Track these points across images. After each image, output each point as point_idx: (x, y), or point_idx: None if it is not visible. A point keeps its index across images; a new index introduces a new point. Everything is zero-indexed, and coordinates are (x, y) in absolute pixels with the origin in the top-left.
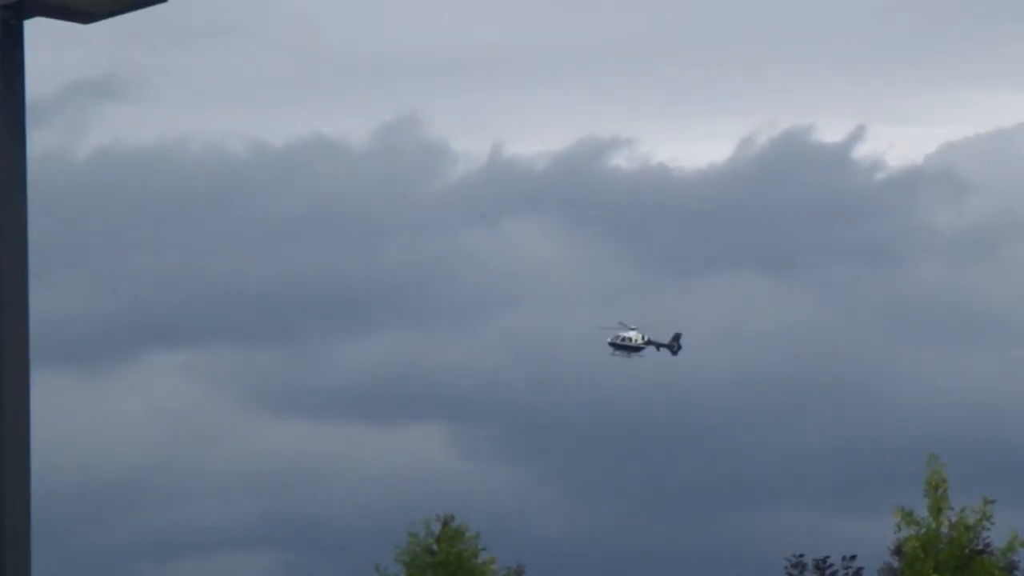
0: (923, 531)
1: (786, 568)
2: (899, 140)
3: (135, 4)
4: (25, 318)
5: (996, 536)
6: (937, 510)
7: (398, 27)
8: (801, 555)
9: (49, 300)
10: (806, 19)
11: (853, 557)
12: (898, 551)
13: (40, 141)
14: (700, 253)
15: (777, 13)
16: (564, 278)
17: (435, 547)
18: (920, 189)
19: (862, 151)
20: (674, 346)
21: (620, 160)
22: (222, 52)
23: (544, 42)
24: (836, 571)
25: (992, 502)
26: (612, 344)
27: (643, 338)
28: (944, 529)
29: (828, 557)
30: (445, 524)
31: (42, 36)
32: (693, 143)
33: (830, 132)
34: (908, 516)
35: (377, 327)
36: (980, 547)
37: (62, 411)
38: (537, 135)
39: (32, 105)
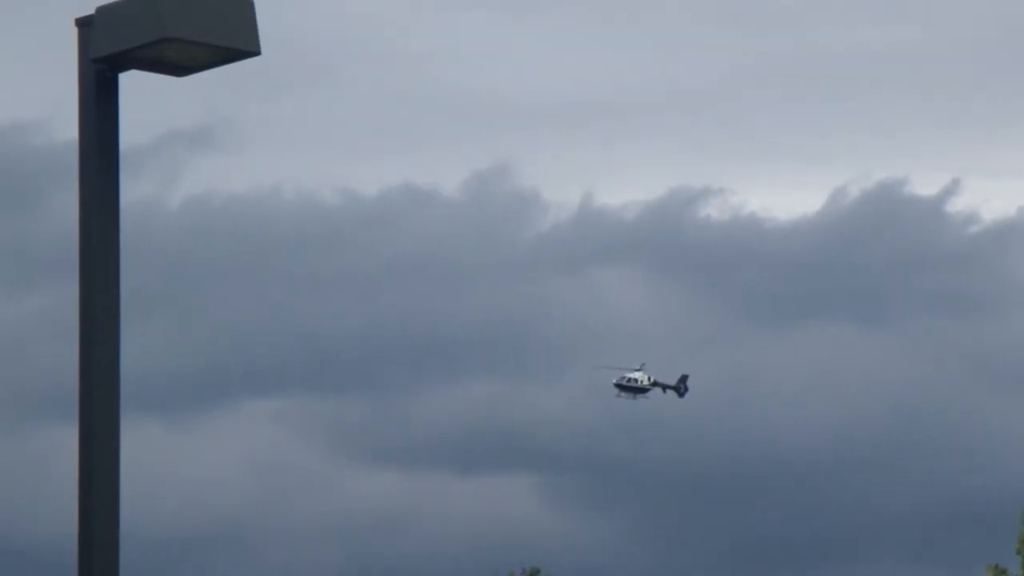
0: None
1: None
2: (994, 194)
3: (228, 58)
4: (116, 365)
5: None
6: None
7: (491, 76)
8: None
9: (141, 347)
10: (902, 71)
11: None
12: None
13: (135, 189)
14: (790, 304)
15: (872, 64)
16: (653, 328)
17: None
18: (1013, 242)
19: (957, 205)
20: (680, 388)
21: (711, 210)
22: (315, 101)
23: (636, 91)
24: None
25: None
26: (617, 385)
27: (649, 379)
28: None
29: None
30: None
31: (139, 86)
32: (785, 193)
33: (925, 185)
34: (1001, 574)
35: (466, 376)
36: None
37: (151, 458)
38: (628, 185)
39: (127, 154)
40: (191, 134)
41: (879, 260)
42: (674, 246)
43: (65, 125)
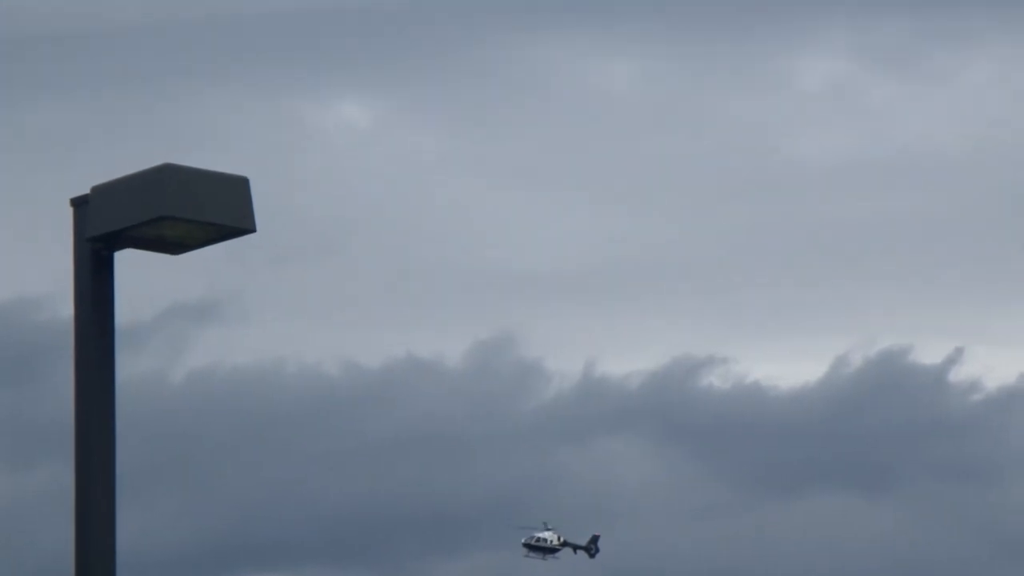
0: None
1: None
2: (997, 362)
3: (223, 236)
4: (111, 543)
5: None
6: None
7: (493, 248)
8: None
9: (143, 521)
10: (905, 241)
11: None
12: None
13: (138, 364)
14: (794, 472)
15: (876, 234)
16: (656, 497)
17: None
18: (1016, 409)
19: (960, 374)
20: (591, 548)
21: (714, 379)
22: (318, 273)
23: (639, 261)
24: None
25: None
26: (526, 545)
27: (559, 539)
28: None
29: None
30: None
31: (145, 261)
32: (788, 362)
33: (928, 354)
34: None
35: (471, 546)
36: None
37: None
38: (631, 354)
39: (130, 329)
40: (196, 307)
41: (882, 428)
42: (677, 415)
43: (66, 302)
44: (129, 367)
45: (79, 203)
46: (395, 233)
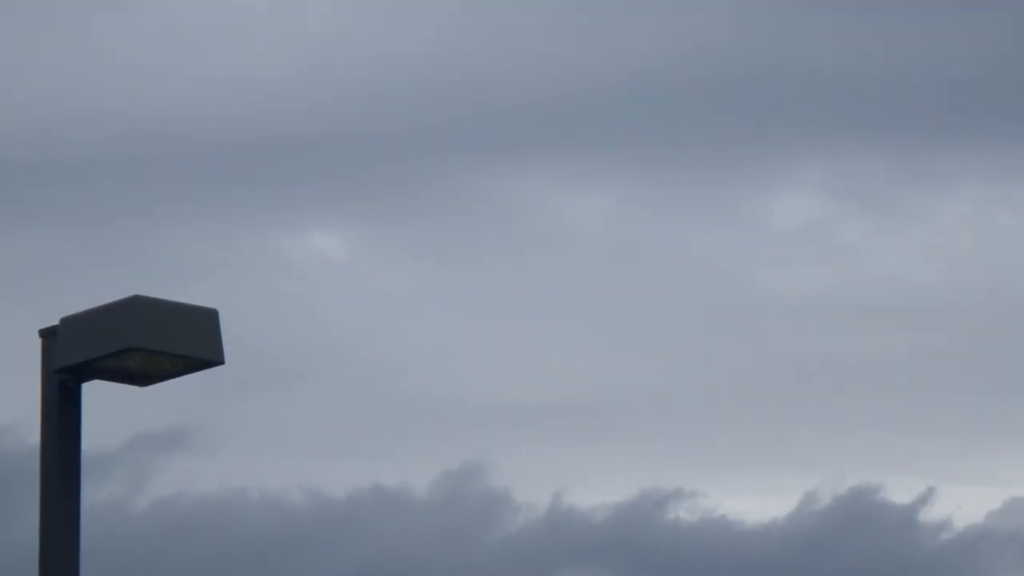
0: None
1: None
2: (966, 501)
3: (191, 367)
4: None
5: None
6: None
7: (460, 379)
8: None
9: None
10: (874, 377)
11: None
12: None
13: (101, 491)
14: None
15: (848, 371)
16: None
17: None
18: (982, 548)
19: (930, 513)
20: None
21: (682, 512)
22: (285, 403)
23: (608, 392)
24: None
25: None
26: None
27: None
28: None
29: None
30: None
31: (112, 390)
32: (757, 496)
33: (899, 492)
34: None
35: None
36: None
37: None
38: (599, 485)
39: (95, 457)
40: (162, 436)
41: (851, 565)
42: (643, 548)
43: (33, 430)
44: (95, 494)
45: (47, 334)
46: (364, 363)
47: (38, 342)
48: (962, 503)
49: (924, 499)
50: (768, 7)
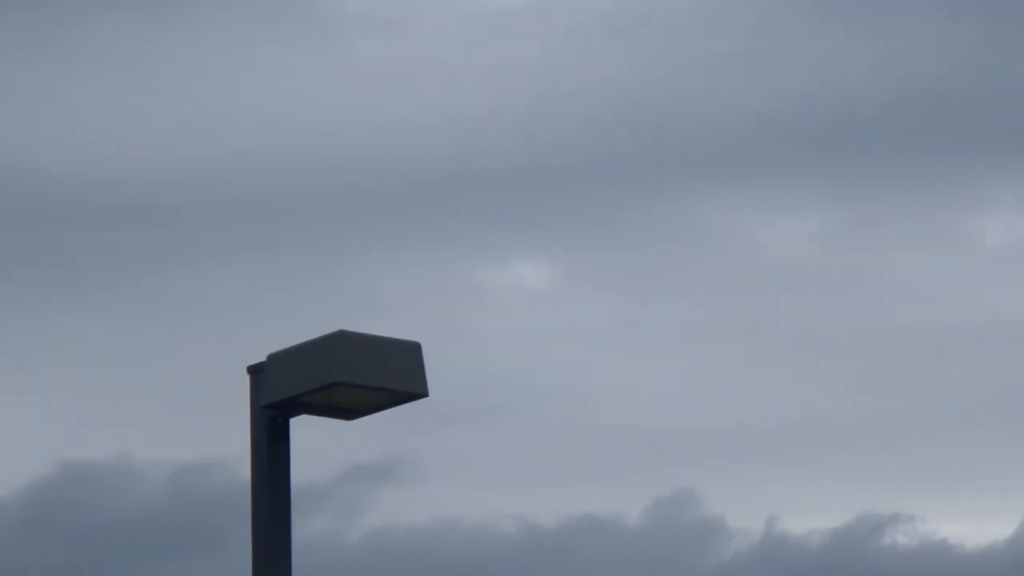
0: None
1: None
2: None
3: (396, 401)
4: None
5: None
6: None
7: (671, 407)
8: None
9: None
10: None
11: None
12: None
13: (313, 524)
14: None
15: None
16: None
17: None
18: None
19: None
20: None
21: (900, 536)
22: (491, 434)
23: (819, 418)
24: None
25: None
26: None
27: None
28: None
29: None
30: None
31: (318, 424)
32: (976, 520)
33: None
34: None
35: None
36: None
37: None
38: (813, 511)
39: (306, 490)
40: (373, 469)
41: None
42: (859, 574)
43: (244, 463)
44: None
45: (255, 371)
46: (569, 393)
47: (246, 378)
48: None
49: None
50: (971, 26)
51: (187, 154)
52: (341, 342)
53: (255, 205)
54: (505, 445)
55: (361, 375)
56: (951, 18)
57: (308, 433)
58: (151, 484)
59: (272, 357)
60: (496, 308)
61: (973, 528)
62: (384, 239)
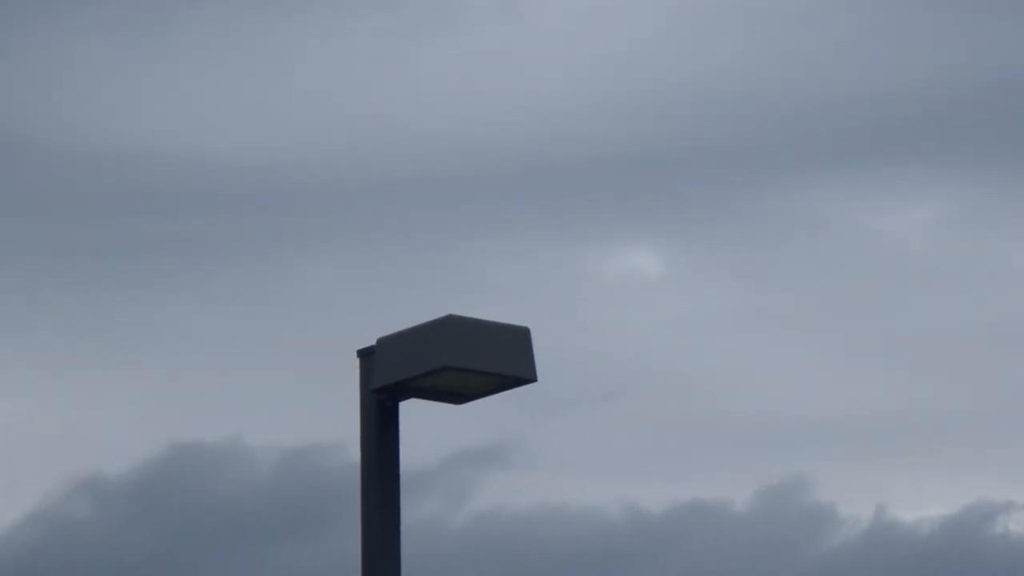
0: None
1: None
2: None
3: (505, 385)
4: None
5: None
6: None
7: (781, 396)
8: None
9: None
10: None
11: None
12: None
13: (422, 508)
14: None
15: None
16: None
17: None
18: None
19: None
20: None
21: (1012, 525)
22: (600, 420)
23: (937, 405)
24: None
25: None
26: None
27: None
28: None
29: None
30: None
31: (427, 408)
32: None
33: None
34: None
35: None
36: None
37: None
38: (923, 499)
39: (416, 474)
40: (481, 453)
41: None
42: (971, 563)
43: (354, 447)
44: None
45: (365, 354)
46: (679, 380)
47: (356, 362)
48: None
49: None
50: None
51: (301, 141)
52: (450, 326)
53: (367, 190)
54: (614, 431)
55: (470, 359)
56: None
57: (417, 417)
58: (261, 467)
59: (382, 341)
60: (608, 294)
61: None
62: (497, 225)
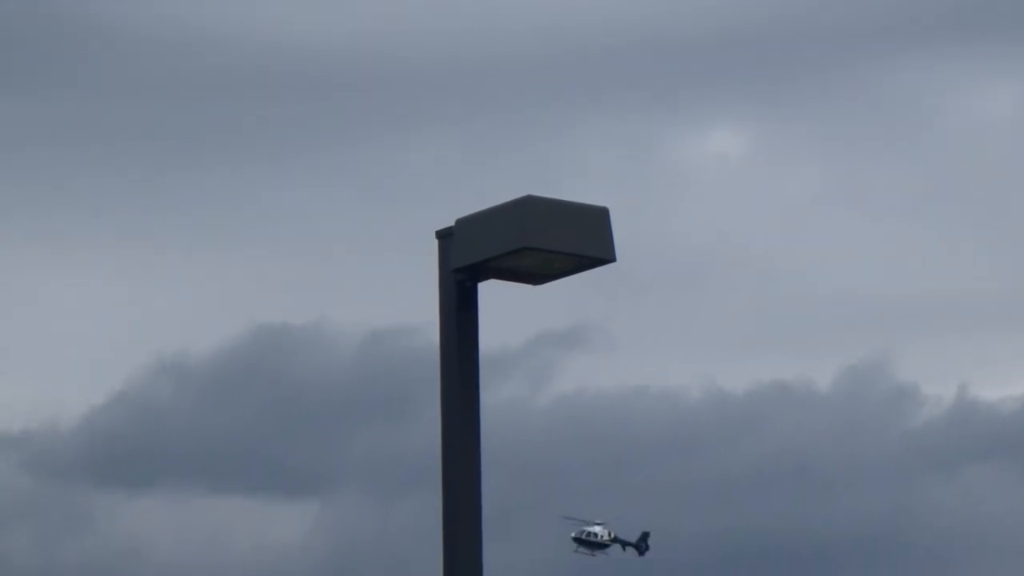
0: None
1: None
2: None
3: (584, 266)
4: (479, 572)
5: None
6: None
7: (863, 273)
8: None
9: (510, 553)
10: None
11: None
12: None
13: (503, 390)
14: None
15: None
16: None
17: None
18: None
19: None
20: (641, 546)
21: None
22: (682, 302)
23: (1016, 288)
24: None
25: None
26: (575, 539)
27: (609, 535)
28: None
29: None
30: None
31: (506, 290)
32: None
33: None
34: None
35: None
36: None
37: None
38: (1006, 379)
39: (498, 356)
40: (564, 335)
41: None
42: None
43: (434, 329)
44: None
45: (444, 235)
46: (763, 262)
47: (435, 243)
48: None
49: None
50: None
51: (390, 28)
52: (529, 207)
53: (450, 75)
54: (696, 313)
55: (549, 240)
56: None
57: (497, 300)
58: (343, 348)
59: (460, 222)
60: (692, 177)
61: None
62: (580, 108)
